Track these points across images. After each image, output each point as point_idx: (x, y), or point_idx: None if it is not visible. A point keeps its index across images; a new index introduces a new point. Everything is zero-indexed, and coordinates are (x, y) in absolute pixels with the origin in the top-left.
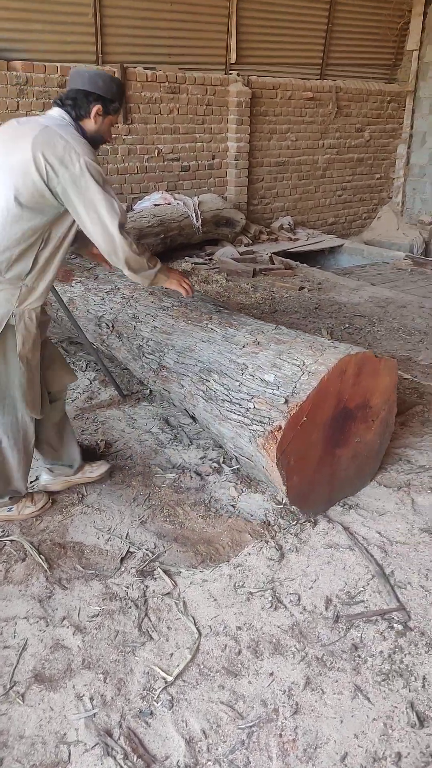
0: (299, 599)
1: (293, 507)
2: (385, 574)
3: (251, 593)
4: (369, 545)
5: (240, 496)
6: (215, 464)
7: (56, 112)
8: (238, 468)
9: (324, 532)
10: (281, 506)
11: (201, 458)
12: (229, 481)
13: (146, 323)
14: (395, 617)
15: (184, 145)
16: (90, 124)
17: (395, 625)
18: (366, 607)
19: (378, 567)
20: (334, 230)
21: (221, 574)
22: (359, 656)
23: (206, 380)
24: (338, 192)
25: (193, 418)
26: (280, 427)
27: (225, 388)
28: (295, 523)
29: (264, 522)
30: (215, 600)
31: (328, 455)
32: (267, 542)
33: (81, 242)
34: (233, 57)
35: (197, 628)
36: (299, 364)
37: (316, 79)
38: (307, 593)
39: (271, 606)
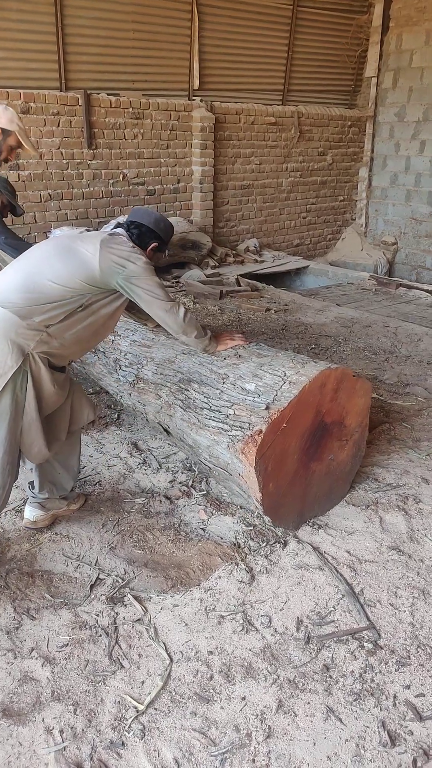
0: (270, 621)
1: (266, 517)
2: (354, 593)
3: (222, 617)
4: (338, 564)
5: (210, 519)
6: (185, 488)
7: (119, 230)
8: (207, 491)
9: (294, 552)
10: (251, 528)
11: (170, 482)
12: (199, 504)
13: (125, 337)
14: (365, 636)
15: (149, 169)
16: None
17: (365, 644)
18: (336, 626)
19: (348, 586)
20: (300, 252)
21: (192, 599)
22: (331, 677)
23: (185, 389)
24: (303, 214)
25: (167, 431)
26: (261, 431)
27: (205, 397)
28: (265, 544)
29: (234, 544)
30: (186, 625)
31: (303, 468)
32: (237, 565)
33: (146, 317)
34: (196, 83)
35: (168, 654)
36: (280, 375)
37: (278, 105)
38: (278, 615)
39: (242, 629)
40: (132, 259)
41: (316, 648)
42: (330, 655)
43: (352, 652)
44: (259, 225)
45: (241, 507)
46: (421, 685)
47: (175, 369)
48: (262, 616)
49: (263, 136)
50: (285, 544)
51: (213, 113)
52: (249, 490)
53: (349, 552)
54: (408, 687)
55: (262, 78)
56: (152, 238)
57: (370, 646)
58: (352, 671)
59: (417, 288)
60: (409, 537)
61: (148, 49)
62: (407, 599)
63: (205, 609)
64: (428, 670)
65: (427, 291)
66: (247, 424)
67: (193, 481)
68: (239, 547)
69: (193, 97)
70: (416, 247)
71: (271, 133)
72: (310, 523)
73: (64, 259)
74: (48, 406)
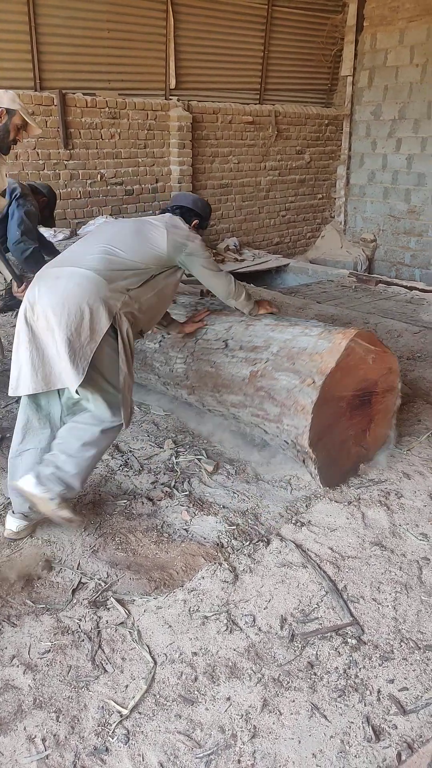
0: (254, 620)
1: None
2: (338, 590)
3: (206, 617)
4: (322, 561)
5: (193, 519)
6: (167, 489)
7: (168, 214)
8: (190, 492)
9: (277, 551)
10: (234, 527)
11: (152, 483)
12: (181, 505)
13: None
14: (349, 632)
15: (127, 169)
16: None
17: (349, 639)
18: (320, 623)
19: (331, 583)
20: (280, 250)
21: (176, 600)
22: (315, 674)
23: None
24: (282, 212)
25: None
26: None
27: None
28: (248, 543)
29: (217, 544)
30: (170, 627)
31: (347, 419)
32: (221, 564)
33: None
34: (173, 83)
35: (152, 657)
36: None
37: (256, 104)
38: (262, 614)
39: (226, 629)
40: (191, 239)
41: (300, 645)
42: (314, 652)
43: (336, 649)
44: (239, 224)
45: (224, 506)
46: (405, 678)
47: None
48: (246, 615)
49: (241, 135)
50: (268, 542)
51: (190, 112)
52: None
53: (332, 548)
54: (392, 681)
55: (239, 77)
56: (193, 216)
57: (354, 641)
58: (336, 667)
59: (396, 284)
60: (391, 532)
61: (124, 49)
62: (390, 594)
63: (189, 610)
64: (411, 664)
65: (406, 287)
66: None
67: (175, 482)
68: (222, 546)
69: (170, 97)
70: (395, 243)
71: (248, 132)
72: (293, 521)
73: (136, 238)
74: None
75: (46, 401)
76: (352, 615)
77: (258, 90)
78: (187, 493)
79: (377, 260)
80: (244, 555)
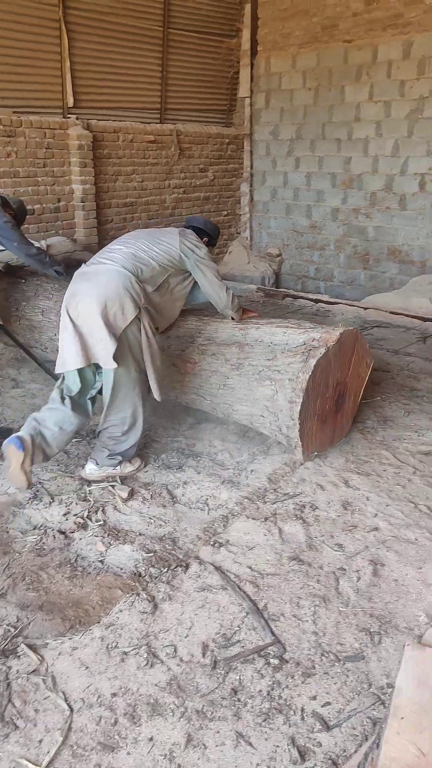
0: (176, 651)
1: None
2: (258, 610)
3: (125, 653)
4: (241, 581)
5: (108, 549)
6: (80, 519)
7: (181, 228)
8: (104, 521)
9: (196, 574)
10: (152, 554)
11: (64, 515)
12: (96, 536)
13: None
14: (271, 652)
15: (26, 189)
16: None
17: (271, 660)
18: (243, 646)
19: (251, 603)
20: None
21: (92, 638)
22: (239, 700)
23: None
24: None
25: None
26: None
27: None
28: (166, 570)
29: (135, 573)
30: (87, 668)
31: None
32: (139, 595)
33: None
34: (70, 101)
35: (68, 704)
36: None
37: (157, 123)
38: (183, 642)
39: (146, 663)
40: (200, 247)
41: (223, 672)
42: (237, 678)
43: (258, 671)
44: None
45: (140, 533)
46: (327, 693)
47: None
48: (166, 646)
49: (143, 154)
50: (187, 567)
51: (90, 131)
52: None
53: (251, 567)
54: (314, 698)
55: (139, 97)
56: (203, 235)
57: (276, 661)
58: (260, 690)
59: (302, 297)
60: (308, 545)
61: (17, 66)
62: (309, 608)
63: (107, 647)
64: (332, 677)
65: (312, 300)
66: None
67: (88, 512)
68: (140, 576)
69: (69, 115)
70: (299, 257)
71: (151, 151)
72: (211, 542)
73: (155, 244)
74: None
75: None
76: (273, 634)
77: (159, 110)
78: (101, 522)
79: (284, 274)
80: (163, 582)
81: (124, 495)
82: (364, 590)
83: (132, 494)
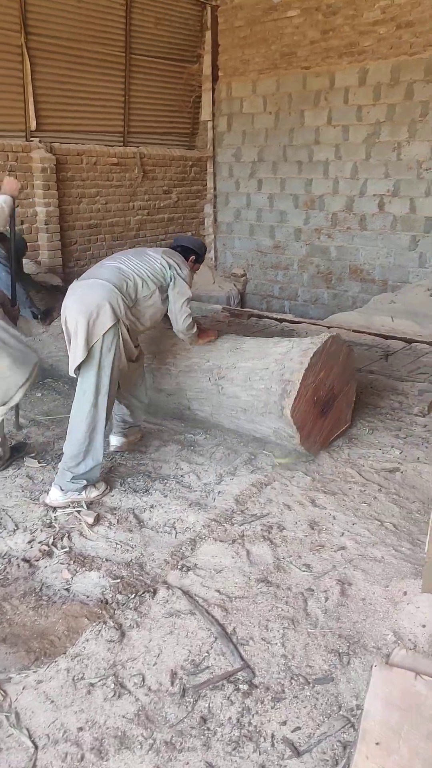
0: (144, 680)
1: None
2: (227, 634)
3: (92, 684)
4: (210, 606)
5: (74, 577)
6: (45, 547)
7: (168, 248)
8: (70, 548)
9: (164, 600)
10: (118, 580)
11: (29, 542)
12: (62, 563)
13: None
14: (240, 677)
15: None
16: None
17: (241, 686)
18: (212, 672)
19: (220, 627)
20: None
21: (58, 670)
22: (208, 728)
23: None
24: None
25: None
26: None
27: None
28: (134, 596)
29: (101, 601)
30: (52, 702)
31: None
32: (106, 623)
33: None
34: (33, 125)
35: (33, 741)
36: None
37: (120, 146)
38: (151, 671)
39: (114, 695)
40: (182, 266)
41: (192, 700)
42: (206, 705)
43: (228, 697)
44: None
45: (106, 559)
46: (297, 718)
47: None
48: (134, 675)
49: (107, 177)
50: (155, 592)
51: (53, 154)
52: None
53: (219, 591)
54: (284, 723)
55: (102, 120)
56: (190, 252)
57: (246, 687)
58: (230, 718)
59: (267, 317)
60: (275, 567)
61: None
62: (278, 631)
63: (73, 679)
64: (302, 701)
65: (276, 319)
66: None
67: (54, 539)
68: (107, 603)
69: (31, 138)
70: (264, 277)
71: (114, 174)
72: (179, 566)
73: (141, 261)
74: (131, 360)
75: None
76: (242, 659)
77: (122, 133)
78: (67, 549)
79: (249, 294)
80: (130, 609)
81: (90, 520)
82: (333, 610)
83: (98, 519)
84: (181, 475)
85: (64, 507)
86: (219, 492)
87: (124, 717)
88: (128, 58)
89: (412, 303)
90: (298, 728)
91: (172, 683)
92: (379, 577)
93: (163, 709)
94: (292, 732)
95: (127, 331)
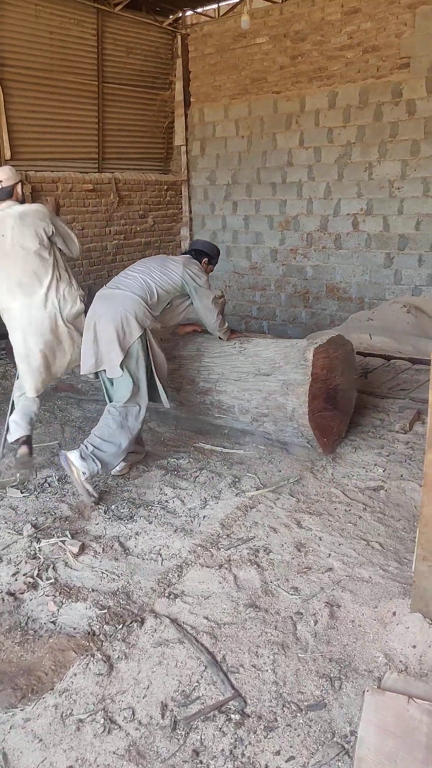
0: (133, 714)
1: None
2: (217, 662)
3: (81, 720)
4: (198, 634)
5: (60, 609)
6: (30, 579)
7: (187, 255)
8: (55, 579)
9: (152, 629)
10: (105, 611)
11: (13, 575)
12: (47, 595)
13: None
14: (232, 707)
15: None
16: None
17: (233, 715)
18: (203, 703)
19: (209, 656)
20: None
21: (46, 707)
22: (201, 762)
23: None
24: None
25: None
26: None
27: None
28: (121, 626)
29: (89, 632)
30: (41, 741)
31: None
32: (93, 655)
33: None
34: (8, 153)
35: None
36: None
37: (95, 172)
38: (141, 704)
39: (104, 730)
40: (200, 276)
41: (183, 733)
42: (198, 738)
43: (220, 729)
44: (87, 288)
45: (93, 589)
46: (290, 747)
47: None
48: (124, 709)
49: (83, 203)
50: (142, 621)
51: (29, 182)
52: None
53: (207, 618)
54: (278, 753)
55: (77, 147)
56: (204, 255)
57: (238, 717)
58: (222, 750)
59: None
60: (263, 591)
61: None
62: (268, 657)
63: (61, 716)
64: (295, 729)
65: None
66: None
67: (38, 570)
68: (94, 634)
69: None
70: (242, 298)
71: (90, 199)
72: (166, 594)
73: (162, 273)
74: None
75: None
76: (233, 687)
77: (96, 159)
78: (52, 580)
79: (227, 315)
80: (118, 640)
81: (75, 550)
82: (322, 634)
83: (83, 548)
84: (166, 501)
85: (78, 472)
86: (204, 516)
87: (114, 753)
88: (101, 86)
89: (389, 320)
90: (292, 758)
91: (163, 716)
92: (367, 598)
93: (154, 744)
94: (286, 762)
95: (152, 332)
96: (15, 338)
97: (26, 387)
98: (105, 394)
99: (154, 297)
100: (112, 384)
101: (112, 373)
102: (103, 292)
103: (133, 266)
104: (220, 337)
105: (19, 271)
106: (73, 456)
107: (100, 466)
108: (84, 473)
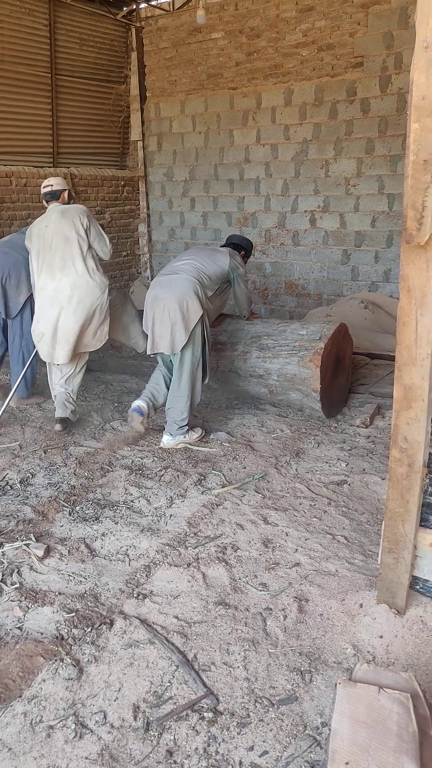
0: (105, 717)
1: (321, 403)
2: (188, 661)
3: (51, 727)
4: (169, 633)
5: (26, 614)
6: None
7: (228, 248)
8: (20, 583)
9: (122, 631)
10: (73, 614)
11: None
12: (12, 600)
13: None
14: (205, 705)
15: None
16: None
17: (205, 714)
18: (175, 702)
19: (181, 655)
20: None
21: (14, 715)
22: (175, 762)
23: (258, 340)
24: None
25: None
26: (322, 348)
27: (273, 341)
28: (90, 629)
29: (57, 637)
30: (10, 750)
31: (333, 375)
32: (62, 660)
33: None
34: None
35: None
36: (318, 326)
37: (50, 167)
38: (112, 707)
39: (75, 735)
40: (241, 265)
41: (156, 734)
42: (172, 738)
43: (193, 727)
44: None
45: (60, 593)
46: (264, 742)
47: (246, 331)
48: (95, 713)
49: (38, 198)
50: (111, 623)
51: None
52: (313, 384)
53: (177, 617)
54: (252, 748)
55: (30, 141)
56: (241, 248)
57: (210, 714)
58: (196, 748)
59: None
60: (232, 588)
61: None
62: (239, 654)
63: (31, 723)
64: (268, 724)
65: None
66: (311, 347)
67: (2, 575)
68: (62, 639)
69: None
70: None
71: None
72: (135, 595)
73: (212, 260)
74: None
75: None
76: (205, 686)
77: (51, 153)
78: (17, 585)
79: None
80: (87, 643)
81: (40, 553)
82: (292, 628)
83: (48, 552)
84: (131, 501)
85: (175, 446)
86: (171, 515)
87: (87, 758)
88: (54, 78)
89: (347, 316)
90: (266, 752)
91: (135, 718)
92: (335, 591)
93: (127, 746)
94: (259, 757)
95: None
96: (47, 314)
97: (43, 355)
98: (163, 368)
99: (208, 281)
100: (174, 360)
101: (177, 349)
102: (160, 279)
103: (182, 255)
104: (245, 316)
105: (59, 256)
106: (167, 440)
107: (186, 428)
108: (183, 438)
